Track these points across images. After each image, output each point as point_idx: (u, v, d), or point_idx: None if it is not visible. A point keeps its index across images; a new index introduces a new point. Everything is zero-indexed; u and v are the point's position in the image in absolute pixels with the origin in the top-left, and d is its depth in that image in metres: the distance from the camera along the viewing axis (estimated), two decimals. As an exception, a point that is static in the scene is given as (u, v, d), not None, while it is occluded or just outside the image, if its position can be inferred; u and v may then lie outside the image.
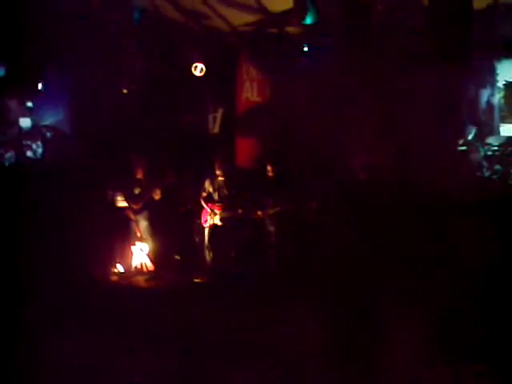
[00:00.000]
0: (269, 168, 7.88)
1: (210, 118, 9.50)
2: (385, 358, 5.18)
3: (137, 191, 8.40)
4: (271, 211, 7.77)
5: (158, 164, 8.94)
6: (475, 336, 5.49)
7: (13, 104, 8.58)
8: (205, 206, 8.06)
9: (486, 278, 6.29)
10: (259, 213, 7.84)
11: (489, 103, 8.68)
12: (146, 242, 8.41)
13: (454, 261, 6.82)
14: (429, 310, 6.00)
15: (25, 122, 9.01)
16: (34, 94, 8.64)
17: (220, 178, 8.04)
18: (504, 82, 8.56)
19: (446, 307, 6.04)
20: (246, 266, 8.13)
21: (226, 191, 8.03)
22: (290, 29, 8.27)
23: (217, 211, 7.96)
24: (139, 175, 8.47)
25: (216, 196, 8.06)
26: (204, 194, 8.09)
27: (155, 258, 8.44)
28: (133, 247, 8.36)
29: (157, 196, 8.38)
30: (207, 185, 8.08)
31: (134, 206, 8.36)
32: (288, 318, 6.22)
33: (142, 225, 8.45)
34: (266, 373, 5.18)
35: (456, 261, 6.79)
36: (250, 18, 7.85)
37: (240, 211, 7.96)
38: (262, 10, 7.63)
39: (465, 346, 5.39)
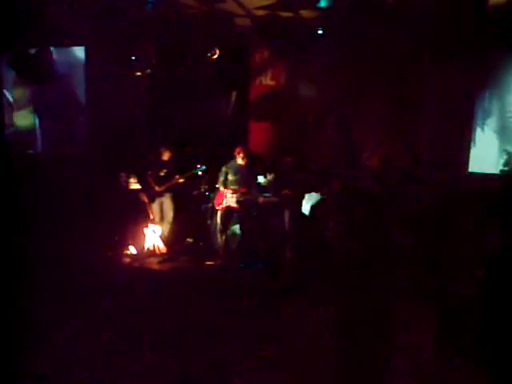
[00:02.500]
0: (287, 159, 7.88)
1: (224, 101, 9.50)
2: (392, 356, 5.22)
3: (162, 173, 8.47)
4: (285, 192, 7.78)
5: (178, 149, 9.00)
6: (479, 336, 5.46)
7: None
8: (222, 188, 8.11)
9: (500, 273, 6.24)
10: (274, 197, 7.86)
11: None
12: (161, 224, 8.50)
13: (465, 255, 6.81)
14: (433, 308, 6.03)
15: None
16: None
17: (240, 162, 8.08)
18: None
19: (450, 307, 6.04)
20: (260, 250, 8.23)
21: (244, 175, 8.07)
22: (304, 12, 8.18)
23: (233, 194, 8.01)
24: (166, 158, 8.54)
25: (234, 179, 8.10)
26: (221, 178, 8.14)
27: (168, 240, 8.54)
28: (145, 229, 8.45)
29: (181, 179, 8.44)
30: (225, 168, 8.12)
31: (157, 189, 8.42)
32: (297, 307, 6.30)
33: (163, 206, 8.52)
34: (272, 362, 5.26)
35: (467, 255, 6.77)
36: (264, 1, 7.78)
37: (257, 196, 8.00)
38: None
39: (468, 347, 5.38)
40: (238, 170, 8.08)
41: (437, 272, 6.66)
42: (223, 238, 8.12)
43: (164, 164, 8.51)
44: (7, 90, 8.98)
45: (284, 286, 7.05)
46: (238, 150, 8.04)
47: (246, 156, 8.02)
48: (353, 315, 5.75)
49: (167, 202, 8.50)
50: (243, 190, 8.02)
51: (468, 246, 6.78)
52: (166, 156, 8.50)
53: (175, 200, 8.53)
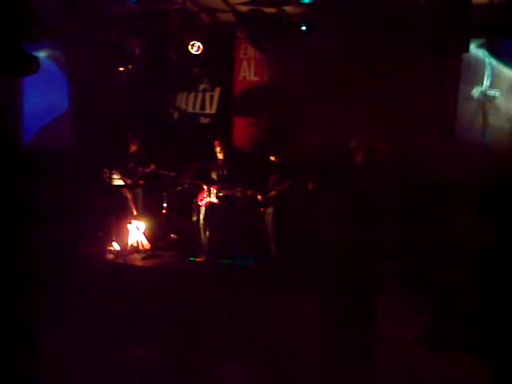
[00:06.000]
0: (272, 158, 7.89)
1: (207, 97, 9.48)
2: (383, 346, 5.26)
3: (130, 166, 8.42)
4: (272, 193, 7.79)
5: (155, 142, 8.99)
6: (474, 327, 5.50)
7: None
8: (203, 185, 8.09)
9: (486, 264, 6.29)
10: (259, 196, 7.85)
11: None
12: (142, 219, 8.46)
13: (452, 247, 6.85)
14: (427, 297, 6.07)
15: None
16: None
17: (220, 158, 8.07)
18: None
19: (444, 295, 6.08)
20: (242, 246, 8.23)
21: (225, 171, 8.07)
22: (288, 7, 8.18)
23: (214, 190, 7.99)
24: (133, 150, 8.50)
25: (215, 175, 8.10)
26: (204, 174, 8.12)
27: (151, 236, 8.50)
28: (129, 225, 8.42)
29: (148, 169, 8.36)
30: (207, 164, 8.12)
31: (128, 181, 8.38)
32: (282, 301, 6.31)
33: (139, 201, 8.48)
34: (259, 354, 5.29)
35: (454, 247, 6.82)
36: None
37: (238, 191, 7.99)
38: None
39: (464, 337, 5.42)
40: (220, 166, 8.09)
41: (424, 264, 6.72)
42: (207, 234, 8.10)
43: (132, 156, 8.47)
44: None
45: (269, 279, 7.12)
46: (215, 143, 8.08)
47: (224, 149, 8.05)
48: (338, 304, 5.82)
49: (140, 196, 8.48)
50: (225, 185, 8.01)
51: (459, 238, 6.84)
52: (132, 148, 8.47)
53: (148, 194, 8.49)
